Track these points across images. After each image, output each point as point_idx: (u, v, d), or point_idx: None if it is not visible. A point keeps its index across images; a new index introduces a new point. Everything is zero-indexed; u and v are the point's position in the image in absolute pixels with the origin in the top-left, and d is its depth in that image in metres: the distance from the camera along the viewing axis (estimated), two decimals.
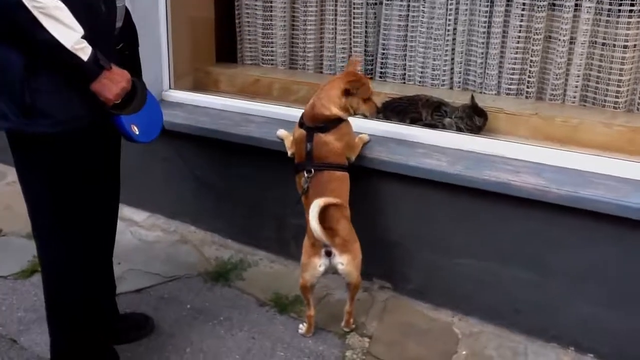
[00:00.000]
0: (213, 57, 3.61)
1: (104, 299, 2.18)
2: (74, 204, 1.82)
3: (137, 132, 1.86)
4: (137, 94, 1.84)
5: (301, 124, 2.29)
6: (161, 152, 3.02)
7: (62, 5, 1.57)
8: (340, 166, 2.27)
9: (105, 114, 1.77)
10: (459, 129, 2.65)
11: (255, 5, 3.47)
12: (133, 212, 3.24)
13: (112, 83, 1.71)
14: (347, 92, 2.24)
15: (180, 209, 3.15)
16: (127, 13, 1.95)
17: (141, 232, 3.09)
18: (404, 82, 3.25)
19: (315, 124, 2.24)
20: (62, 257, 1.88)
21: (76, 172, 1.79)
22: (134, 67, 2.05)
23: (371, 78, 3.35)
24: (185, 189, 3.09)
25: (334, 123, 2.25)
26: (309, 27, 3.39)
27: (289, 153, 2.42)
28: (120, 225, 3.07)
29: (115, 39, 1.87)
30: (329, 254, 2.14)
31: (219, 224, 3.05)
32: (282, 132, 2.54)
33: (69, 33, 1.59)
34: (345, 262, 2.16)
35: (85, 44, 1.62)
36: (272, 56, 3.52)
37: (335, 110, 2.24)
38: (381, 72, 3.29)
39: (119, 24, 1.85)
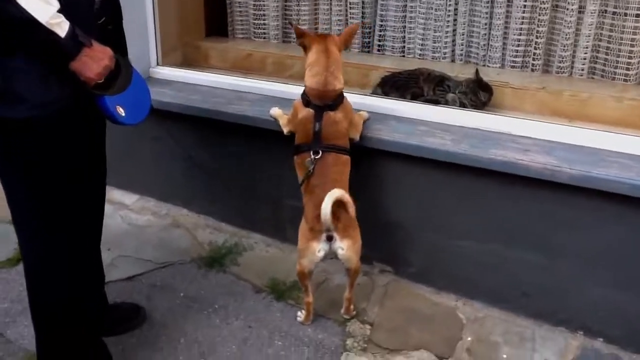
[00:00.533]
0: (202, 31, 3.45)
1: (91, 292, 2.06)
2: (57, 197, 1.69)
3: (124, 114, 1.73)
4: (121, 73, 1.70)
5: (307, 102, 2.14)
6: (150, 132, 2.88)
7: None
8: (346, 149, 2.15)
9: (87, 95, 1.63)
10: (463, 105, 2.52)
11: None
12: (122, 194, 3.12)
13: (93, 61, 1.57)
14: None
15: (172, 191, 3.03)
16: None
17: (131, 216, 2.97)
18: (404, 56, 3.10)
19: (326, 102, 2.11)
20: (44, 253, 1.75)
21: (58, 161, 1.65)
22: (118, 43, 1.90)
23: (369, 51, 3.22)
24: (177, 170, 2.96)
25: (340, 97, 2.14)
26: None
27: (285, 131, 2.29)
28: (109, 208, 2.98)
29: (97, 13, 1.73)
30: (330, 238, 2.03)
31: (212, 206, 2.93)
32: (275, 111, 2.40)
33: (43, 7, 1.44)
34: (346, 247, 2.05)
35: (62, 18, 1.48)
36: (264, 29, 3.37)
37: (342, 80, 2.14)
38: (379, 45, 3.15)
39: None
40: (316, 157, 2.07)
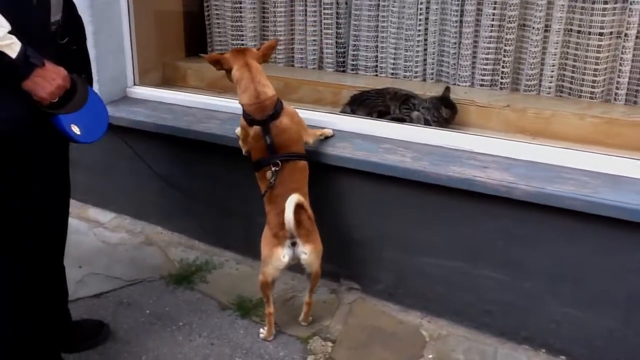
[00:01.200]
0: (183, 50, 3.51)
1: (53, 309, 2.06)
2: (17, 218, 1.72)
3: (79, 132, 1.75)
4: (76, 92, 1.73)
5: (251, 121, 2.17)
6: (126, 150, 2.89)
7: None
8: (302, 155, 2.19)
9: (43, 114, 1.66)
10: (426, 121, 2.54)
11: None
12: (98, 212, 3.15)
13: (46, 81, 1.60)
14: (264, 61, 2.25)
15: (147, 210, 3.06)
16: (70, 5, 1.84)
17: (105, 234, 2.99)
18: (377, 75, 3.14)
19: (267, 114, 2.14)
20: (3, 277, 1.77)
21: (16, 182, 1.68)
22: (82, 62, 1.96)
23: (343, 70, 3.25)
24: (151, 189, 2.99)
25: (279, 104, 2.17)
26: (278, 19, 3.28)
27: (244, 151, 2.33)
28: (84, 226, 3.05)
29: (59, 34, 1.77)
30: (294, 244, 2.06)
31: (186, 224, 2.95)
32: (239, 130, 2.43)
33: None
34: (309, 252, 2.09)
35: (13, 39, 1.50)
36: None
37: (272, 88, 2.19)
38: (353, 65, 3.19)
39: (56, 17, 1.74)
40: (276, 169, 2.10)
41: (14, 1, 1.55)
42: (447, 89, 2.65)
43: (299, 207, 2.02)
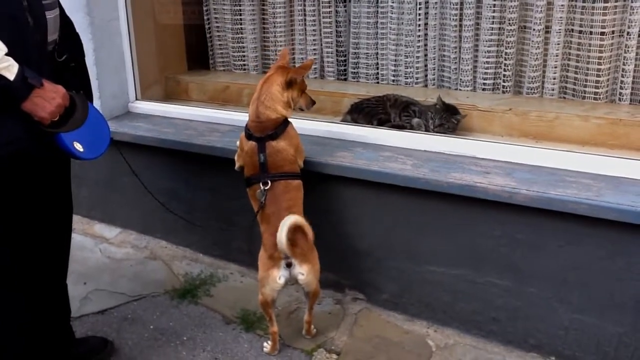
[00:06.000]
0: (184, 64, 3.52)
1: (56, 327, 2.06)
2: (19, 237, 1.72)
3: (82, 149, 1.75)
4: (76, 109, 1.73)
5: (249, 135, 2.15)
6: (128, 165, 2.93)
7: None
8: (296, 175, 2.15)
9: (44, 134, 1.65)
10: (427, 128, 2.51)
11: (224, 9, 3.37)
12: (104, 228, 3.16)
13: (45, 101, 1.60)
14: (289, 84, 2.12)
15: (151, 224, 3.05)
16: (67, 24, 1.85)
17: (111, 249, 3.00)
18: (378, 82, 3.12)
19: (265, 133, 2.11)
20: (4, 295, 1.77)
21: (20, 201, 1.68)
22: (81, 79, 1.96)
23: (345, 79, 3.24)
24: (155, 203, 2.98)
25: (282, 126, 2.14)
26: (278, 29, 3.28)
27: (236, 166, 2.30)
28: (89, 242, 3.06)
29: (57, 52, 1.77)
30: (289, 265, 2.03)
31: (190, 238, 2.94)
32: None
33: None
34: (306, 272, 2.05)
35: (10, 62, 1.51)
36: (243, 61, 3.42)
37: (281, 110, 2.12)
38: (353, 73, 3.17)
39: (53, 37, 1.74)
40: (266, 188, 2.08)
41: (11, 23, 1.55)
42: (439, 97, 2.61)
43: (295, 228, 1.97)
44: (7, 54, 1.51)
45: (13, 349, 1.83)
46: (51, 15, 1.71)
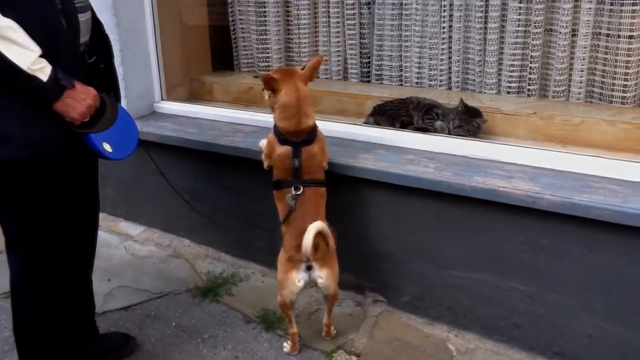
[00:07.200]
0: (209, 65, 3.55)
1: (81, 322, 2.10)
2: (49, 234, 1.76)
3: (110, 150, 1.78)
4: (106, 110, 1.76)
5: (284, 140, 2.13)
6: (153, 164, 2.97)
7: (15, 25, 1.51)
8: (324, 182, 2.18)
9: (74, 134, 1.69)
10: (460, 136, 2.49)
11: (249, 10, 3.39)
12: (129, 225, 3.20)
13: (77, 102, 1.64)
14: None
15: (175, 223, 3.09)
16: (98, 25, 1.88)
17: (135, 247, 3.04)
18: (401, 84, 3.11)
19: (302, 138, 2.11)
20: (29, 280, 1.82)
21: (50, 199, 1.72)
22: (109, 80, 1.99)
23: (368, 81, 3.24)
24: (179, 202, 3.01)
25: (315, 130, 2.15)
26: (302, 31, 3.29)
27: (265, 165, 2.31)
28: (114, 239, 3.11)
29: (87, 53, 1.81)
30: (309, 268, 2.05)
31: (213, 237, 2.97)
32: (263, 143, 2.44)
33: (24, 53, 1.52)
34: (325, 276, 2.07)
35: (44, 63, 1.55)
36: (267, 62, 3.43)
37: (313, 116, 2.14)
38: (377, 75, 3.17)
39: (85, 38, 1.77)
40: (297, 193, 2.09)
41: (45, 25, 1.58)
42: (462, 100, 2.59)
43: (318, 233, 1.99)
44: (40, 56, 1.55)
45: (43, 343, 1.88)
46: (83, 17, 1.74)
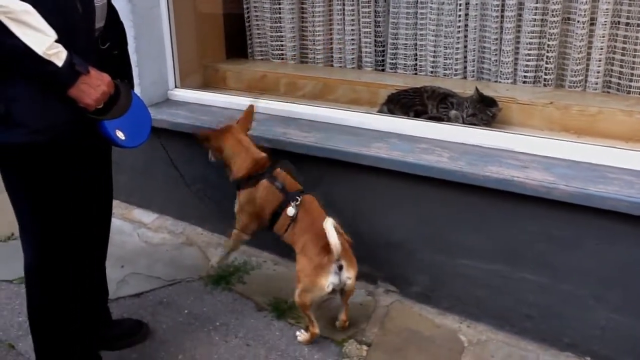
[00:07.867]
0: (223, 53, 3.55)
1: (93, 308, 2.12)
2: (61, 220, 1.76)
3: (123, 137, 1.77)
4: (120, 97, 1.76)
5: (258, 177, 2.26)
6: (166, 153, 2.99)
7: (32, 9, 1.50)
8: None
9: (87, 120, 1.69)
10: (473, 125, 2.47)
11: None
12: (142, 213, 3.22)
13: (91, 88, 1.62)
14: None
15: (187, 211, 3.10)
16: (113, 11, 1.87)
17: (148, 234, 3.06)
18: (416, 73, 3.08)
19: (265, 165, 2.29)
20: (42, 262, 1.83)
21: (62, 185, 1.72)
22: (122, 67, 1.99)
23: (382, 69, 3.22)
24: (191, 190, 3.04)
25: (270, 156, 2.32)
26: (317, 19, 3.27)
27: (247, 236, 2.45)
28: (128, 227, 3.13)
29: (101, 39, 1.80)
30: (341, 268, 2.04)
31: (225, 225, 2.97)
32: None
33: (40, 38, 1.50)
34: (353, 276, 2.09)
35: (59, 48, 1.53)
36: (281, 50, 3.42)
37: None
38: (392, 63, 3.14)
39: (100, 24, 1.76)
40: (297, 204, 2.15)
41: (61, 9, 1.57)
42: (477, 89, 2.57)
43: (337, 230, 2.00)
44: (56, 41, 1.54)
45: (57, 329, 1.90)
46: (99, 3, 1.73)
